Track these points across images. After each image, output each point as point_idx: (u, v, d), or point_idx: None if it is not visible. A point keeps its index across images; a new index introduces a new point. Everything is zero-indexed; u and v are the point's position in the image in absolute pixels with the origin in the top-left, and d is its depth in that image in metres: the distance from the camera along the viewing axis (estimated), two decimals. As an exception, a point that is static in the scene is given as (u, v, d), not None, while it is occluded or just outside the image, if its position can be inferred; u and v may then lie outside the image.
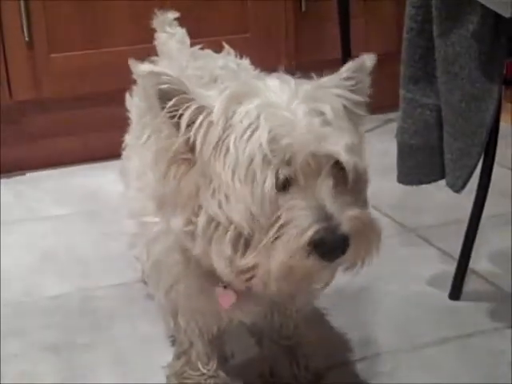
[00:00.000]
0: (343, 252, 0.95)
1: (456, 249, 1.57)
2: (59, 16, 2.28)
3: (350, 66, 1.06)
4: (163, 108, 0.98)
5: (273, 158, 0.93)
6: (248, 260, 0.96)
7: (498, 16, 1.33)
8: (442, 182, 1.51)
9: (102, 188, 2.18)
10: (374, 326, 1.47)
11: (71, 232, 1.96)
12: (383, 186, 2.10)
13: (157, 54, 1.51)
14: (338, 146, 0.95)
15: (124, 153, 1.43)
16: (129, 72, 1.07)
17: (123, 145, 1.44)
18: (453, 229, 1.79)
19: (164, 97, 0.98)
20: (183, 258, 1.10)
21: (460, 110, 1.40)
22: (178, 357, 1.30)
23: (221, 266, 0.99)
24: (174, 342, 1.34)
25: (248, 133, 0.95)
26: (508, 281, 1.58)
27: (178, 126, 0.99)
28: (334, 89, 1.03)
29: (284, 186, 0.95)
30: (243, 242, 0.96)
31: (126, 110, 1.44)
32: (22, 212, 2.10)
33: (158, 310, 1.33)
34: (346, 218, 0.95)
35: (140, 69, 0.99)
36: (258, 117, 0.96)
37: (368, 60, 1.07)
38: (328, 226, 0.93)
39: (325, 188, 0.95)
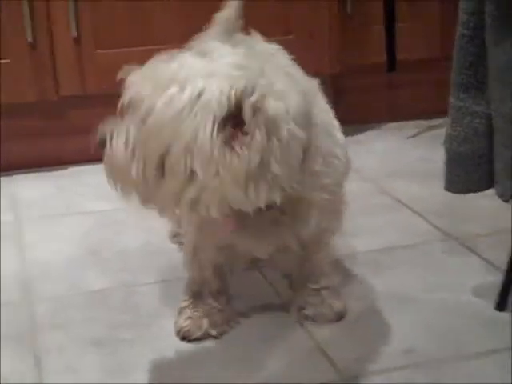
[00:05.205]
0: None
1: (502, 259, 1.55)
2: (107, 13, 2.30)
3: None
4: None
5: None
6: None
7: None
8: (488, 190, 1.49)
9: (144, 185, 2.19)
10: (416, 334, 1.46)
11: (113, 227, 1.97)
12: (425, 192, 2.09)
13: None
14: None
15: None
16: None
17: None
18: (499, 238, 1.76)
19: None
20: None
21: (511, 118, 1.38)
22: (190, 292, 1.49)
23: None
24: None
25: None
26: (555, 293, 1.56)
27: None
28: None
29: None
30: None
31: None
32: (65, 206, 2.12)
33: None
34: None
35: (127, 75, 1.20)
36: None
37: None
38: None
39: None
